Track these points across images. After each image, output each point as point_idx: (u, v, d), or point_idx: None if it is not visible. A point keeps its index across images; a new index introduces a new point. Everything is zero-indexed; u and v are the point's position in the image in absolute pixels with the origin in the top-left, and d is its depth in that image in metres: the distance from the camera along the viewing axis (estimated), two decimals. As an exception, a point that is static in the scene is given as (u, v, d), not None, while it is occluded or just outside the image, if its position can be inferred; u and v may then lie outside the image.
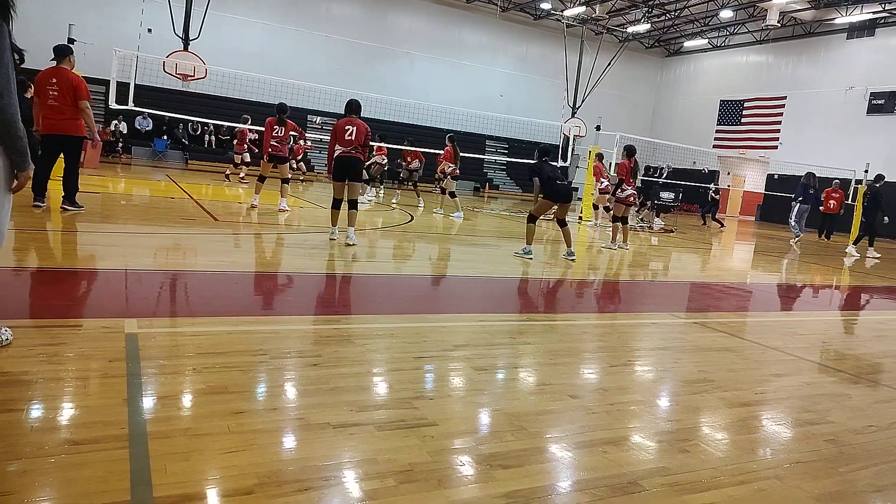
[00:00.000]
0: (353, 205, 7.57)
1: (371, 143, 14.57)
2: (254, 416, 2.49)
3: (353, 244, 7.33)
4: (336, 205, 7.60)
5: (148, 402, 2.50)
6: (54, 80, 7.44)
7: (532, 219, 8.26)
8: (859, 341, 5.31)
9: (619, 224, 10.25)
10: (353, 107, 7.71)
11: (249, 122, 16.06)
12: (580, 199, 18.17)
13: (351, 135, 7.47)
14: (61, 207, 7.60)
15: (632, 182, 10.18)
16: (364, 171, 14.31)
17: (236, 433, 2.30)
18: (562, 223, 8.53)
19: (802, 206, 15.67)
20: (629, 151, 10.29)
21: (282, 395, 2.80)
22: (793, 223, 15.70)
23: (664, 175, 19.54)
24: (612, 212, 10.47)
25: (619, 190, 10.20)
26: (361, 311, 4.70)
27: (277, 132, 10.26)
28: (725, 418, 3.03)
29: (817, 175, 16.23)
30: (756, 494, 2.27)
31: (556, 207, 8.35)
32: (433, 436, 2.46)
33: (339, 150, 7.47)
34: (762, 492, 2.29)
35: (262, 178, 10.66)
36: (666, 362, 3.97)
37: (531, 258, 7.94)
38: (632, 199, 10.33)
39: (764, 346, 4.65)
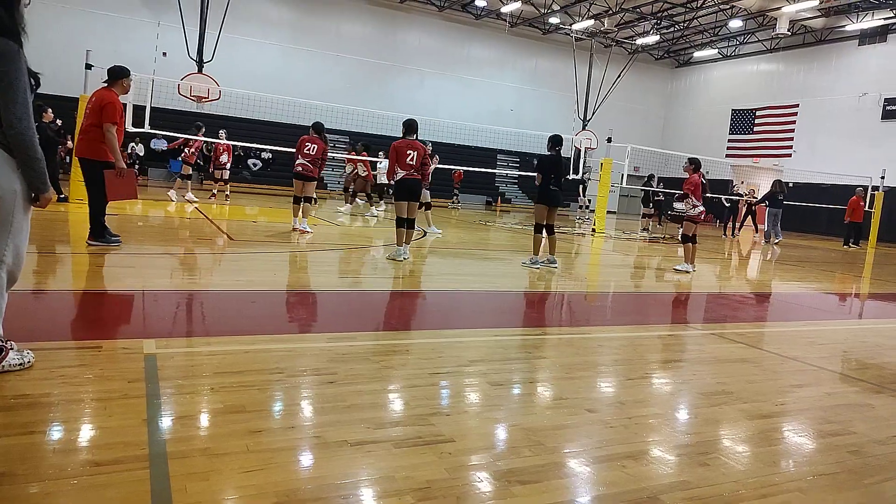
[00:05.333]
0: (410, 224, 7.92)
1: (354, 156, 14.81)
2: (271, 434, 2.50)
3: (404, 259, 7.76)
4: (400, 223, 7.88)
5: (167, 423, 2.52)
6: (90, 102, 7.16)
7: (538, 228, 8.30)
8: (881, 350, 5.22)
9: (691, 244, 9.25)
10: (413, 127, 7.94)
11: (225, 136, 15.59)
12: (593, 210, 18.10)
13: (412, 159, 7.82)
14: (87, 243, 6.89)
15: (700, 198, 9.14)
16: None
17: (255, 452, 2.31)
18: (548, 230, 8.38)
19: (772, 210, 17.35)
20: (697, 165, 9.26)
21: (299, 414, 2.81)
22: (767, 228, 17.47)
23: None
24: (681, 230, 9.49)
25: (692, 206, 9.17)
26: (375, 328, 4.71)
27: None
28: (746, 430, 3.00)
29: (834, 183, 16.40)
30: (779, 508, 2.23)
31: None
32: (450, 452, 2.45)
33: (401, 173, 7.83)
34: (785, 505, 2.26)
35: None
36: (683, 374, 3.94)
37: (538, 268, 7.98)
38: (701, 216, 9.20)
39: (783, 357, 4.59)
